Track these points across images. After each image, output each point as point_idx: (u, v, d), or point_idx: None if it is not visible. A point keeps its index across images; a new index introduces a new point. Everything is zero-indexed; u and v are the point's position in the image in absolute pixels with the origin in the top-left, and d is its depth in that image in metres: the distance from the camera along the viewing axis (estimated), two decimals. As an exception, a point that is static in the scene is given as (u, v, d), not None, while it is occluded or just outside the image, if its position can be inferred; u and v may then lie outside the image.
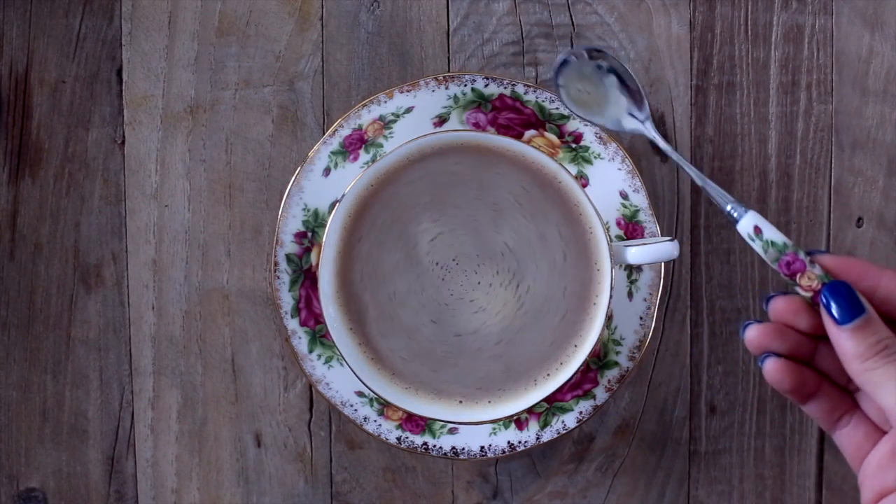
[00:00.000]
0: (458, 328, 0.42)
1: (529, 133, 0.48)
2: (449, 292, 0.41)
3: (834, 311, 0.39)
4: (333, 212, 0.41)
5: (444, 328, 0.42)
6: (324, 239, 0.41)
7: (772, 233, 0.40)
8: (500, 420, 0.43)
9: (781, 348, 0.40)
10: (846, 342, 0.38)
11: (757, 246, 0.40)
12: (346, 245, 0.41)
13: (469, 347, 0.42)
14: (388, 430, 0.49)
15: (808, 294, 0.40)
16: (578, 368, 0.41)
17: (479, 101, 0.48)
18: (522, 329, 0.42)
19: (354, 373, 0.41)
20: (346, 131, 0.47)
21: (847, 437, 0.41)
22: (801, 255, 0.40)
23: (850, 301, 0.38)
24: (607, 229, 0.41)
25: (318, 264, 0.44)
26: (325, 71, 0.51)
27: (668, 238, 0.43)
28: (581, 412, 0.49)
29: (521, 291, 0.42)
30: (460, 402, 0.42)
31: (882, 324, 0.38)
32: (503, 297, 0.42)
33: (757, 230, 0.40)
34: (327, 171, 0.48)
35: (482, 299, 0.41)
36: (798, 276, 0.40)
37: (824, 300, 0.39)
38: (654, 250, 0.41)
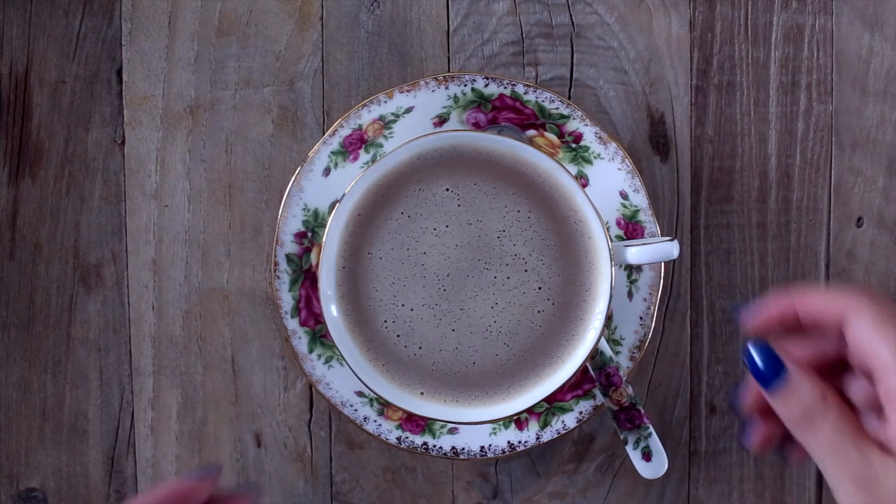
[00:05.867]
0: (458, 328, 0.42)
1: (529, 133, 0.48)
2: (450, 293, 0.41)
3: (757, 378, 0.37)
4: (333, 212, 0.41)
5: (444, 328, 0.42)
6: (324, 239, 0.41)
7: (603, 346, 0.44)
8: (500, 420, 0.43)
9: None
10: (775, 406, 0.37)
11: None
12: (346, 245, 0.41)
13: (470, 347, 0.42)
14: (388, 430, 0.49)
15: (615, 408, 0.44)
16: (578, 368, 0.41)
17: (479, 101, 0.48)
18: (523, 330, 0.42)
19: (354, 373, 0.41)
20: (346, 131, 0.47)
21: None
22: (621, 373, 0.44)
23: (767, 367, 0.37)
24: (607, 229, 0.41)
25: (317, 264, 0.44)
26: (325, 71, 0.51)
27: (668, 238, 0.43)
28: (581, 412, 0.49)
29: (521, 292, 0.42)
30: (460, 401, 0.42)
31: (807, 383, 0.36)
32: (504, 298, 0.42)
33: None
34: (327, 171, 0.48)
35: (483, 300, 0.41)
36: (612, 389, 0.44)
37: (748, 362, 0.37)
38: (654, 250, 0.41)
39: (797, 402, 0.36)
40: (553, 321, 0.42)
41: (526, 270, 0.42)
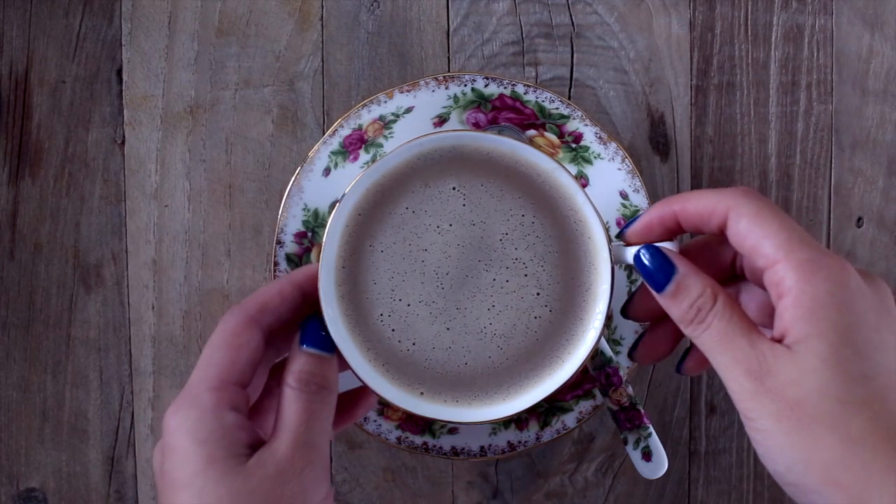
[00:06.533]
0: (453, 327, 0.42)
1: (529, 133, 0.48)
2: (448, 291, 0.41)
3: (648, 280, 0.38)
4: (333, 212, 0.41)
5: (439, 326, 0.42)
6: (324, 239, 0.41)
7: (603, 346, 0.44)
8: (500, 420, 0.43)
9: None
10: (667, 309, 0.37)
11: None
12: (346, 245, 0.41)
13: (463, 347, 0.42)
14: (388, 430, 0.49)
15: (615, 407, 0.44)
16: (578, 368, 0.41)
17: (479, 101, 0.48)
18: (518, 334, 0.42)
19: (355, 373, 0.41)
20: (346, 131, 0.47)
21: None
22: (622, 373, 0.43)
23: (657, 267, 0.37)
24: (607, 230, 0.41)
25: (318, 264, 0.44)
26: (325, 71, 0.51)
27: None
28: (581, 412, 0.49)
29: (519, 296, 0.42)
30: (460, 401, 0.42)
31: (695, 280, 0.37)
32: (501, 301, 0.42)
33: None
34: (327, 171, 0.48)
35: (480, 301, 0.41)
36: (611, 389, 0.44)
37: (639, 266, 0.38)
38: (653, 250, 0.41)
39: (687, 298, 0.37)
40: (549, 328, 0.42)
41: (526, 275, 0.42)
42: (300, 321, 0.39)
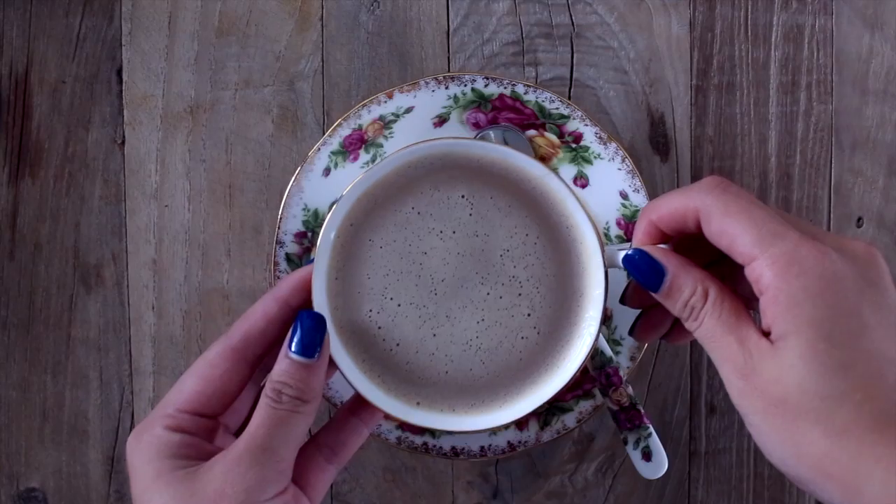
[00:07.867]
0: (440, 334, 0.42)
1: (530, 133, 0.48)
2: (440, 298, 0.41)
3: (641, 281, 0.39)
4: (331, 213, 0.41)
5: (426, 331, 0.41)
6: (315, 251, 0.40)
7: (603, 346, 0.44)
8: (497, 428, 0.43)
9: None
10: (665, 306, 0.38)
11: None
12: (338, 256, 0.41)
13: (446, 356, 0.42)
14: (388, 430, 0.49)
15: (615, 407, 0.44)
16: (577, 370, 0.41)
17: (479, 101, 0.48)
18: (503, 352, 0.42)
19: (351, 384, 0.40)
20: (346, 131, 0.47)
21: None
22: (622, 373, 0.44)
23: (647, 271, 0.38)
24: (600, 234, 0.41)
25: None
26: (325, 71, 0.51)
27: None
28: (581, 412, 0.49)
29: (510, 314, 0.42)
30: (457, 410, 0.42)
31: (686, 279, 0.37)
32: (491, 316, 0.41)
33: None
34: (327, 172, 0.47)
35: (471, 313, 0.41)
36: (612, 389, 0.44)
37: (630, 271, 0.39)
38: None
39: (680, 298, 0.37)
40: (534, 350, 0.42)
41: (520, 294, 0.42)
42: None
